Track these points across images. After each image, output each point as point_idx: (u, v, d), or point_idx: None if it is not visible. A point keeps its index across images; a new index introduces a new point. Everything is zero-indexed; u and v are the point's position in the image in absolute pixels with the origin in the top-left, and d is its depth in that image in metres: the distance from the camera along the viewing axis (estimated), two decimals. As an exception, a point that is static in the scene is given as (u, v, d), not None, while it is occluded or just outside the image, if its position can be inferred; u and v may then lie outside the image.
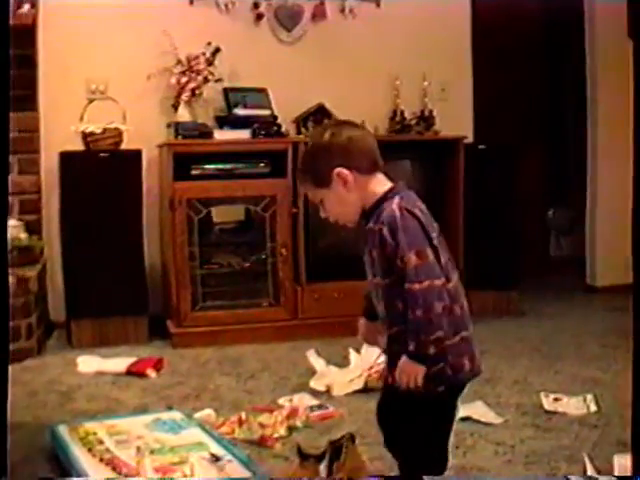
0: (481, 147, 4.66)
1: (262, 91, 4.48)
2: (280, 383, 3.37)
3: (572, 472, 2.34)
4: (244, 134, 4.22)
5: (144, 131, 4.25)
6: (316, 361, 3.39)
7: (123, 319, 4.09)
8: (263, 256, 4.21)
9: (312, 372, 3.34)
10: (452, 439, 2.12)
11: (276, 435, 2.68)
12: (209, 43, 4.34)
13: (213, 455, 2.37)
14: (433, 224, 1.94)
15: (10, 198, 4.10)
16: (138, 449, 2.39)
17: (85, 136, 4.08)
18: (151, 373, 3.50)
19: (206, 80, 4.33)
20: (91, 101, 4.22)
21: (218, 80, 4.38)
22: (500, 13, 5.35)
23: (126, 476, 2.27)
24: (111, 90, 4.35)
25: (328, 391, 3.19)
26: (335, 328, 4.03)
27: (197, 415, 2.84)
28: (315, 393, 3.17)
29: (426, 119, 4.68)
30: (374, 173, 1.97)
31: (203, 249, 4.13)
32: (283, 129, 4.34)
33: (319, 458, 2.27)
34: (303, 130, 4.46)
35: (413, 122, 4.66)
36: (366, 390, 3.15)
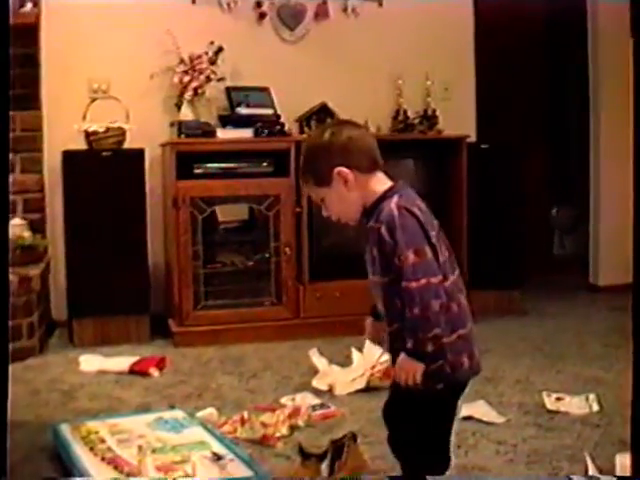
0: (484, 146, 4.65)
1: (265, 90, 4.48)
2: (282, 382, 3.37)
3: (574, 471, 2.34)
4: (247, 133, 4.22)
5: (147, 130, 4.25)
6: (318, 360, 3.39)
7: (125, 318, 4.09)
8: (267, 255, 4.21)
9: (314, 371, 3.34)
10: (454, 438, 2.12)
11: (278, 434, 2.68)
12: (212, 42, 4.35)
13: (215, 454, 2.37)
14: (433, 222, 1.95)
15: (14, 197, 4.12)
16: (140, 448, 2.39)
17: (88, 135, 4.08)
18: (153, 372, 3.50)
19: (209, 79, 4.34)
20: (94, 100, 4.22)
21: (221, 79, 4.38)
22: (503, 13, 5.34)
23: (128, 475, 2.27)
24: (114, 89, 4.35)
25: (330, 390, 3.19)
26: (337, 327, 4.04)
27: (199, 414, 2.84)
28: (317, 392, 3.17)
29: (429, 118, 4.68)
30: (374, 172, 1.98)
31: (206, 248, 4.13)
32: (286, 128, 4.34)
33: (321, 457, 2.28)
34: (306, 129, 4.45)
35: (416, 121, 4.66)
36: (368, 389, 3.15)
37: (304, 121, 4.51)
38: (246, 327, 4.10)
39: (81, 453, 2.41)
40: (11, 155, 4.02)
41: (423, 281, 1.82)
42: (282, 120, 4.36)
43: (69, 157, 4.08)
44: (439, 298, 1.84)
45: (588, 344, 3.94)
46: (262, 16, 4.64)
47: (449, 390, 1.97)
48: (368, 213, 1.96)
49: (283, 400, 3.07)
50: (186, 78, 4.31)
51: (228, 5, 4.56)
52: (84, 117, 4.12)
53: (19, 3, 3.98)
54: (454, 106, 4.84)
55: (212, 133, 4.21)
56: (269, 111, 4.38)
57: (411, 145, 4.50)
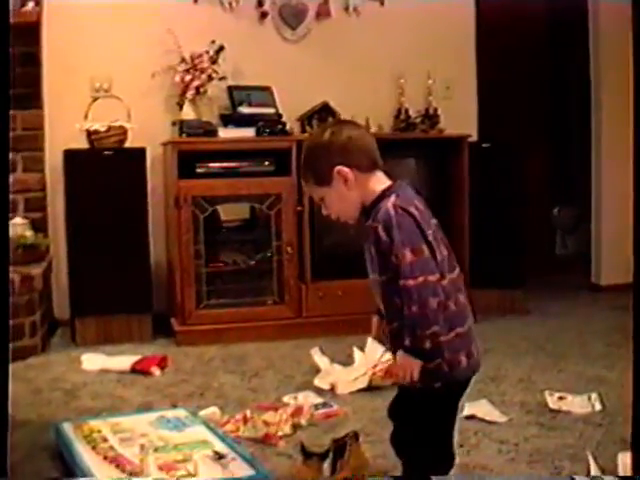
0: (485, 146, 4.65)
1: (266, 89, 4.48)
2: (284, 381, 3.37)
3: (576, 471, 2.34)
4: (249, 132, 4.22)
5: (148, 129, 4.26)
6: (320, 359, 3.39)
7: (127, 317, 4.10)
8: (269, 254, 4.21)
9: (316, 370, 3.35)
10: (456, 437, 2.12)
11: (280, 433, 2.68)
12: (213, 41, 4.35)
13: (217, 453, 2.37)
14: (431, 221, 1.96)
15: (15, 196, 4.12)
16: (142, 447, 2.39)
17: (89, 134, 4.08)
18: (155, 371, 3.50)
19: (210, 78, 4.34)
20: (95, 99, 4.22)
21: (222, 78, 4.38)
22: (504, 12, 5.35)
23: (130, 474, 2.27)
24: (115, 88, 4.35)
25: (332, 389, 3.19)
26: (339, 326, 4.04)
27: (202, 413, 2.84)
28: (319, 391, 3.17)
29: (430, 117, 4.68)
30: (374, 171, 2.00)
31: (208, 247, 4.13)
32: (287, 127, 4.35)
33: (323, 456, 2.28)
34: (308, 128, 4.45)
35: (417, 120, 4.66)
36: (370, 388, 3.15)
37: (306, 120, 4.51)
38: (248, 326, 4.10)
39: (83, 452, 2.40)
40: (13, 154, 4.03)
41: (421, 279, 1.83)
42: (284, 119, 4.36)
43: (71, 156, 4.08)
44: (437, 296, 1.84)
45: (590, 343, 3.94)
46: (264, 15, 4.64)
47: (447, 388, 1.97)
48: (367, 212, 1.97)
49: (285, 399, 3.07)
50: (188, 77, 4.31)
51: (230, 4, 4.56)
52: (86, 116, 4.12)
53: (21, 2, 3.98)
54: (456, 105, 4.84)
55: (214, 132, 4.21)
56: (271, 110, 4.38)
57: (413, 144, 4.50)
